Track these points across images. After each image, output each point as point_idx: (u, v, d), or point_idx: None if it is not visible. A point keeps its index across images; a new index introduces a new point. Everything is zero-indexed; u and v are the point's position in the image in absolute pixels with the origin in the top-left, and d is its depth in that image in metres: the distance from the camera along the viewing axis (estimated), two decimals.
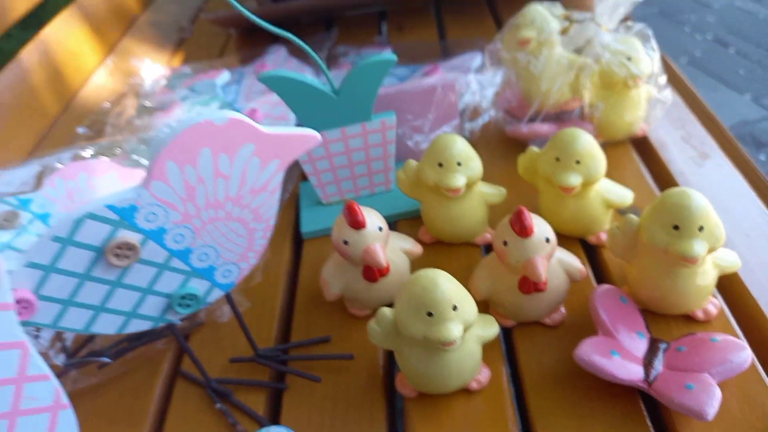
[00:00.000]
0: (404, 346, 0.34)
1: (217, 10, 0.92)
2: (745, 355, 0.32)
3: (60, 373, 0.40)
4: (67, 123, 0.66)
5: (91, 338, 0.42)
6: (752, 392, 0.33)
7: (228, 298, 0.37)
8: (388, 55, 0.43)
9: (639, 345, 0.34)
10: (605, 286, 0.37)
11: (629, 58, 0.46)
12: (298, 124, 0.55)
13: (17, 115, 0.62)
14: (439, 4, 0.84)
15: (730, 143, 0.52)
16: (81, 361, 0.40)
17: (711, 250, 0.33)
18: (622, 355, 0.33)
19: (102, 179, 0.50)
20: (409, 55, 0.69)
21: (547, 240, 0.34)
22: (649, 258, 0.35)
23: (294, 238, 0.51)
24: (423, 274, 0.31)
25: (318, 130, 0.45)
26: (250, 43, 0.83)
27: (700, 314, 0.37)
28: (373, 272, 0.38)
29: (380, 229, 0.38)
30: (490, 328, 0.35)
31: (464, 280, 0.34)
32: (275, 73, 0.43)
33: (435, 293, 0.30)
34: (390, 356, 0.40)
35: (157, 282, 0.33)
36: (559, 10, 0.48)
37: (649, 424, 0.33)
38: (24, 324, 0.30)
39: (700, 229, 0.33)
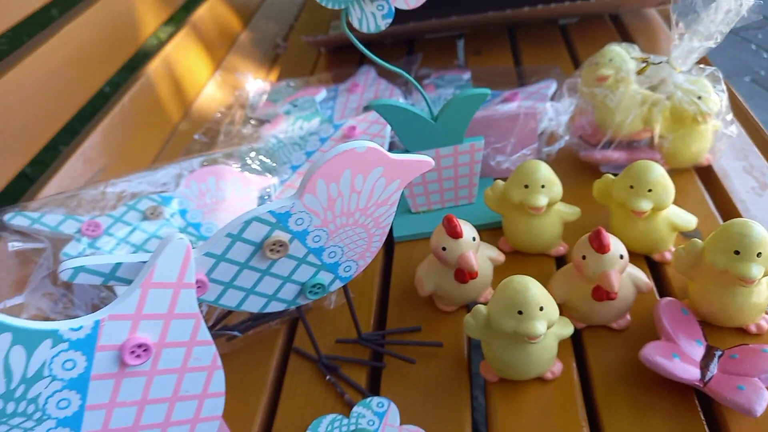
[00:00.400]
0: (493, 337, 0.40)
1: (309, 29, 1.01)
2: None
3: None
4: (186, 130, 0.76)
5: (225, 315, 0.50)
6: None
7: (344, 289, 0.45)
8: (482, 89, 0.50)
9: (697, 351, 0.40)
10: (668, 299, 0.42)
11: (699, 97, 0.51)
12: (392, 143, 0.62)
13: (147, 121, 0.73)
14: (514, 30, 0.90)
15: None
16: (217, 333, 0.49)
17: (766, 273, 0.39)
18: (681, 358, 0.39)
19: (227, 182, 0.59)
20: (486, 79, 0.76)
21: (621, 256, 0.40)
22: (710, 277, 0.41)
23: (386, 242, 0.58)
24: (516, 279, 0.38)
25: (415, 150, 0.52)
26: (337, 60, 0.91)
27: (753, 328, 0.42)
28: (464, 275, 0.45)
29: (474, 239, 0.45)
30: (567, 328, 0.41)
31: None
32: (384, 102, 0.51)
33: (526, 295, 0.37)
34: (472, 347, 0.47)
35: (296, 272, 0.41)
36: (636, 51, 0.54)
37: (703, 418, 0.38)
38: (198, 300, 0.38)
39: (758, 254, 0.38)
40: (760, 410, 0.35)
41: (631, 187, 0.45)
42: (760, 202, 0.54)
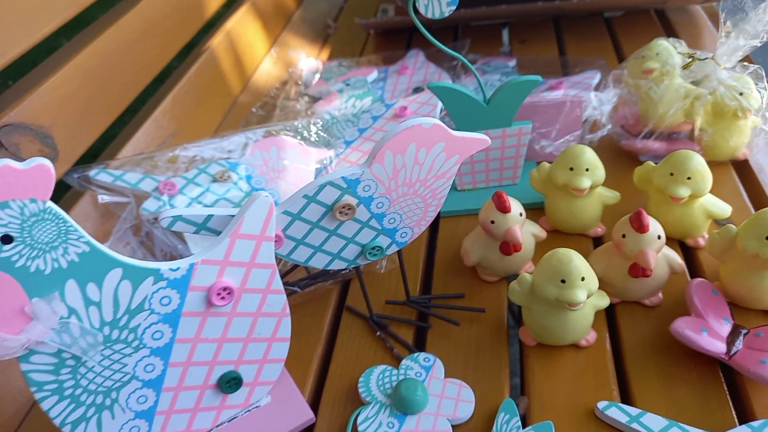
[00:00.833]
0: (535, 303, 0.44)
1: (359, 11, 1.04)
2: None
3: None
4: (245, 102, 0.81)
5: (289, 271, 0.55)
6: None
7: (398, 253, 0.49)
8: (533, 76, 0.53)
9: (724, 327, 0.43)
10: (700, 279, 0.46)
11: (741, 93, 0.54)
12: None
13: (210, 93, 0.77)
14: (559, 21, 0.93)
15: None
16: None
17: None
18: (709, 333, 0.42)
19: (288, 153, 0.63)
20: (532, 67, 0.78)
21: (659, 237, 0.44)
22: (741, 261, 0.44)
23: None
24: (561, 251, 0.42)
25: (467, 131, 0.56)
26: (386, 42, 0.94)
27: None
28: (509, 247, 0.49)
29: (521, 214, 0.48)
30: (603, 300, 0.45)
31: None
32: (441, 83, 0.54)
33: (569, 266, 0.41)
34: (512, 314, 0.50)
35: (358, 235, 0.45)
36: (682, 47, 0.57)
37: (726, 389, 0.42)
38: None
39: None
40: None
41: (671, 174, 0.48)
42: None
